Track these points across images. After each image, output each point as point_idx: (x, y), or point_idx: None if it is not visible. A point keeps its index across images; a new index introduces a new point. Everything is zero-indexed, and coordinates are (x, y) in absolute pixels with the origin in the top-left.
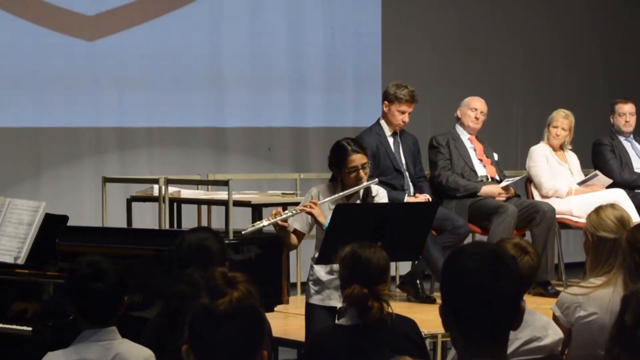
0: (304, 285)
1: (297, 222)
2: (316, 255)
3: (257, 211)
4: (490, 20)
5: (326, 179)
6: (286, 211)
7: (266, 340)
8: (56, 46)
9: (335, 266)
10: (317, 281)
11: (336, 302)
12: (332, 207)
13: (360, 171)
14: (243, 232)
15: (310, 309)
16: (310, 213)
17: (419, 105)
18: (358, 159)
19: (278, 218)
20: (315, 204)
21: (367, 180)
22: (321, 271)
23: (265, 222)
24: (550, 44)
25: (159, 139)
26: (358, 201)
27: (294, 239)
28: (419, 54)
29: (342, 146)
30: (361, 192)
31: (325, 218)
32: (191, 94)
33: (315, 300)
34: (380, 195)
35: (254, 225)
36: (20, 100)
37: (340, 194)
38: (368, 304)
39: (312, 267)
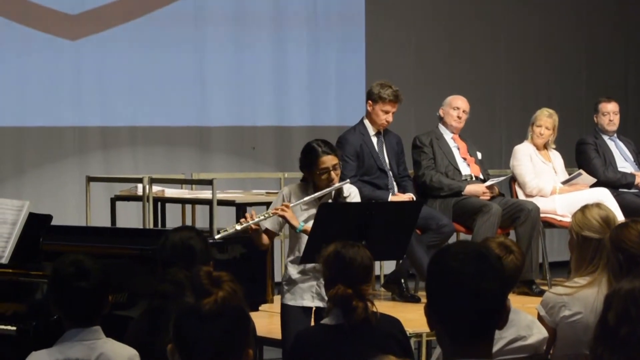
0: None
1: (268, 222)
2: (290, 256)
3: (241, 210)
4: (474, 20)
5: None
6: (259, 215)
7: (251, 339)
8: (39, 45)
9: (309, 266)
10: (290, 281)
11: (309, 302)
12: (305, 208)
13: (332, 172)
14: (216, 237)
15: (285, 309)
16: (282, 217)
17: (402, 104)
18: (329, 160)
19: (251, 222)
20: (287, 206)
21: (340, 181)
22: (293, 271)
23: (238, 227)
24: (533, 43)
25: (143, 138)
26: (330, 201)
27: (265, 238)
28: (402, 53)
29: (312, 148)
30: (333, 192)
31: (298, 221)
32: (175, 92)
33: (289, 300)
34: (352, 195)
35: (226, 230)
36: (3, 99)
37: (312, 196)
38: (352, 304)
39: (286, 267)
